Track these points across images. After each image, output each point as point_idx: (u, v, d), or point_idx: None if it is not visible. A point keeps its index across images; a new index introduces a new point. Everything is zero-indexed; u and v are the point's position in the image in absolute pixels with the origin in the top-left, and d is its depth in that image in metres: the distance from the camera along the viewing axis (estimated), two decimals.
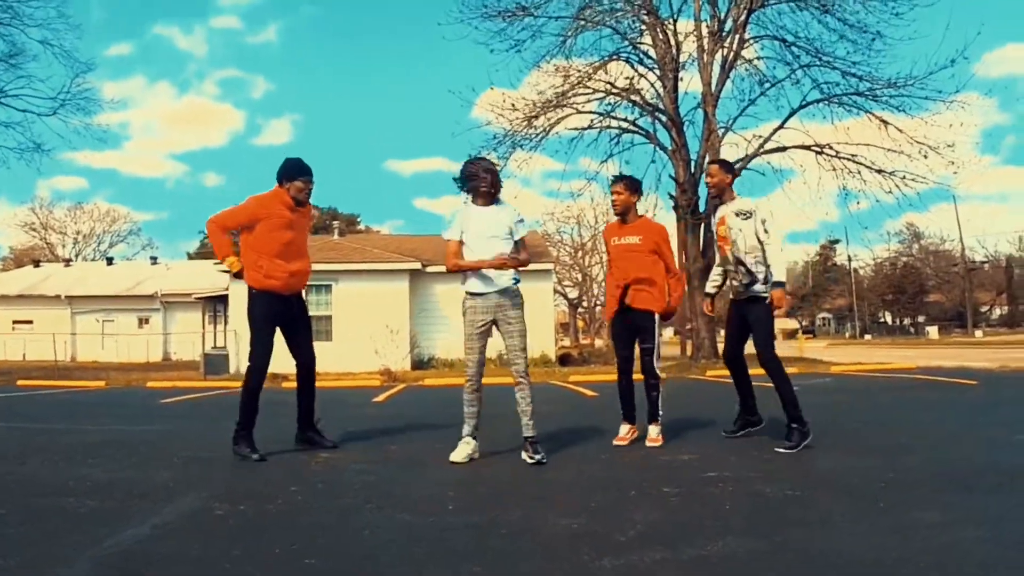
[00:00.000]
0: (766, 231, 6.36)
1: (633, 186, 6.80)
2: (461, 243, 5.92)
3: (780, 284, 6.37)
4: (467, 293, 5.94)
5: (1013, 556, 3.13)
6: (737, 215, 6.52)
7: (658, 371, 6.64)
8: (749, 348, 6.57)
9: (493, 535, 3.65)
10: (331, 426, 6.93)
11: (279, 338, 6.45)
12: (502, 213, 5.91)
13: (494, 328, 5.91)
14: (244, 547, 3.47)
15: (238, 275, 6.35)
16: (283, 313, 6.43)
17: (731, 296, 6.81)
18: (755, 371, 6.67)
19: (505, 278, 5.83)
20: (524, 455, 5.68)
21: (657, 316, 6.59)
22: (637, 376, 6.62)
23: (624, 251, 6.62)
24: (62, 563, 3.25)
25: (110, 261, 59.09)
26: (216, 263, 5.84)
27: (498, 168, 6.09)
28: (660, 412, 6.58)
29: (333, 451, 6.34)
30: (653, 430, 6.53)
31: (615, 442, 6.53)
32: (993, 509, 4.02)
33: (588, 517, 3.98)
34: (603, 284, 44.94)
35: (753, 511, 4.08)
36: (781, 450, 5.99)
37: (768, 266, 6.39)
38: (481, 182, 5.88)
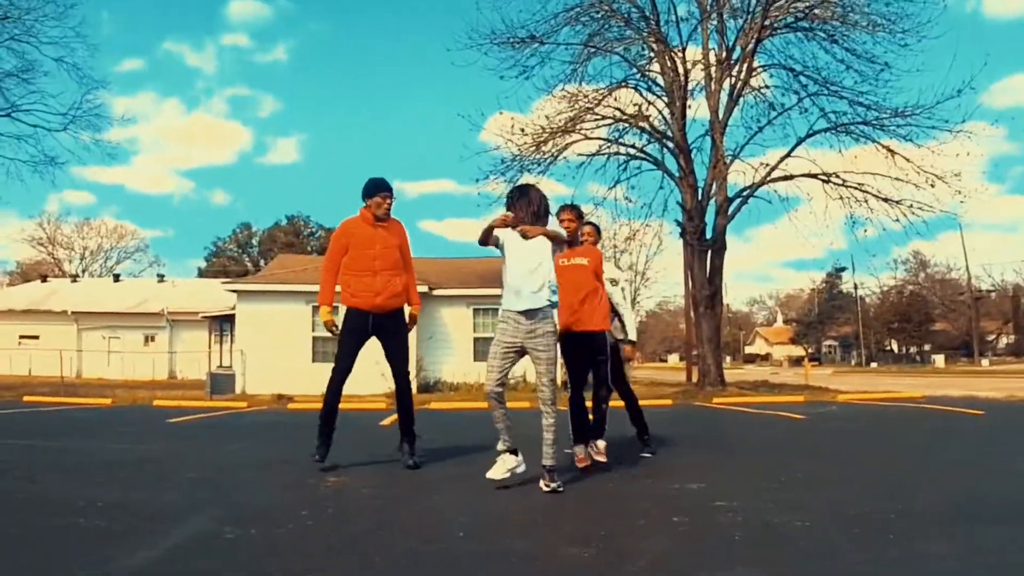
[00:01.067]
0: (624, 298, 7.35)
1: (581, 214, 7.10)
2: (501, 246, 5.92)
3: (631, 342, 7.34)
4: (504, 310, 5.90)
5: None
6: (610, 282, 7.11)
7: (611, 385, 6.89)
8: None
9: (502, 563, 3.65)
10: (337, 449, 6.93)
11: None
12: (540, 243, 5.90)
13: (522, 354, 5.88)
14: (254, 571, 3.48)
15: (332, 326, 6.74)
16: (366, 328, 6.70)
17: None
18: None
19: (541, 298, 5.75)
20: (541, 483, 5.62)
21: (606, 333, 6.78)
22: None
23: (574, 271, 6.65)
24: None
25: (117, 278, 59.09)
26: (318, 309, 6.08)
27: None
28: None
29: (346, 475, 6.32)
30: (601, 444, 6.66)
31: (578, 464, 6.46)
32: (1000, 541, 4.02)
33: (598, 546, 3.98)
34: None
35: (762, 541, 4.08)
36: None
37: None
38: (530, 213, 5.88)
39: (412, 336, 7.03)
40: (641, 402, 7.12)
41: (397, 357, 6.83)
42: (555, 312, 5.90)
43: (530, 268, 5.76)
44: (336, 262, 6.76)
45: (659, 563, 3.62)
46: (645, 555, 3.76)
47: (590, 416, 6.70)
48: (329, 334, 6.87)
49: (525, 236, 5.76)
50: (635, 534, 4.27)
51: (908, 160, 21.34)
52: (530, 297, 5.73)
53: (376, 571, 3.54)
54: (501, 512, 4.92)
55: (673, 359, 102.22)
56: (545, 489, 5.53)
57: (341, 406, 6.78)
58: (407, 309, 7.01)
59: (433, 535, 4.27)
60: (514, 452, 5.84)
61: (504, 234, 5.87)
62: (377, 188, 6.73)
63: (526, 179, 22.93)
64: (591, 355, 6.63)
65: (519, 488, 5.68)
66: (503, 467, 5.78)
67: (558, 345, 6.07)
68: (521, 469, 5.83)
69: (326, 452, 6.60)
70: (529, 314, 5.74)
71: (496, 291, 9.12)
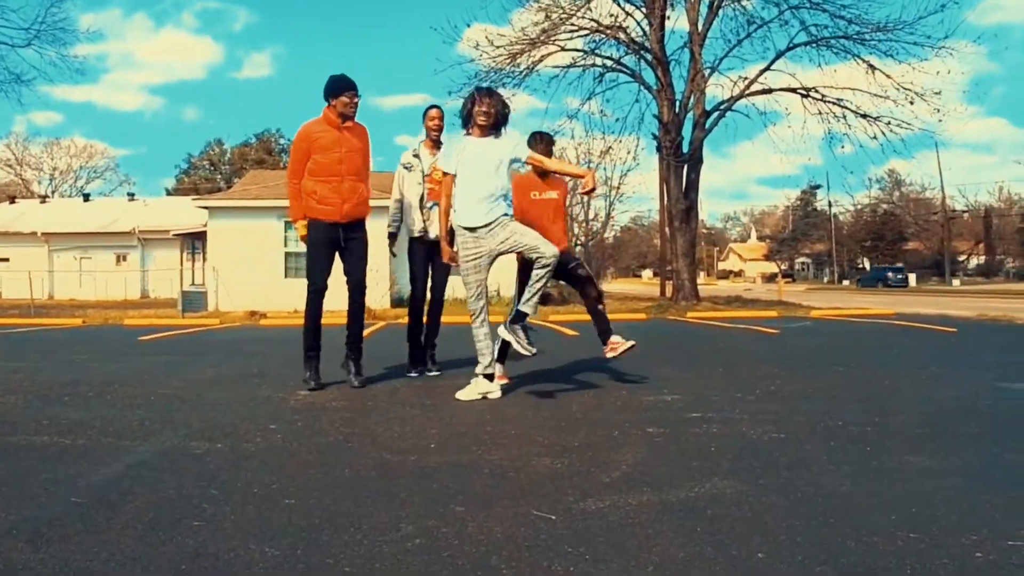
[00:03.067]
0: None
1: (552, 144, 6.91)
2: (454, 177, 5.83)
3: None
4: (459, 226, 5.85)
5: (997, 503, 3.10)
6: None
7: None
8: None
9: (475, 475, 3.59)
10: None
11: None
12: (500, 143, 5.79)
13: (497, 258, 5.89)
14: (222, 486, 3.40)
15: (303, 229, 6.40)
16: (337, 240, 6.40)
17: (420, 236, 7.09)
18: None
19: (498, 211, 5.74)
20: (514, 344, 5.72)
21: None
22: None
23: (543, 204, 6.71)
24: (35, 502, 3.17)
25: (87, 197, 58.29)
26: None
27: (504, 99, 6.00)
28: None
29: (318, 391, 6.24)
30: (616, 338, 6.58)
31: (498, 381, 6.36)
32: (977, 455, 4.01)
33: (572, 457, 3.93)
34: (583, 223, 44.95)
35: (738, 453, 4.04)
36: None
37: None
38: (479, 115, 5.77)
39: (385, 250, 6.87)
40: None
41: (357, 272, 6.53)
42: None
43: (491, 171, 5.75)
44: (300, 171, 6.38)
45: (634, 473, 3.57)
46: (620, 466, 3.71)
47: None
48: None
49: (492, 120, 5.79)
50: (610, 445, 4.22)
51: (888, 76, 21.26)
52: (488, 211, 5.73)
53: (345, 483, 3.47)
54: (474, 424, 4.86)
55: (647, 274, 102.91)
56: (524, 353, 5.66)
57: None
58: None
59: (404, 447, 4.20)
60: (490, 378, 5.85)
61: (459, 150, 5.84)
62: (344, 86, 6.32)
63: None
64: (563, 270, 6.55)
65: (490, 401, 5.65)
66: (475, 390, 5.81)
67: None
68: (495, 396, 5.82)
69: (318, 376, 6.44)
70: (489, 226, 5.74)
71: None
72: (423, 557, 2.53)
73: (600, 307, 6.61)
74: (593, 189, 5.83)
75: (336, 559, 2.51)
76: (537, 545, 2.64)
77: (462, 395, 5.78)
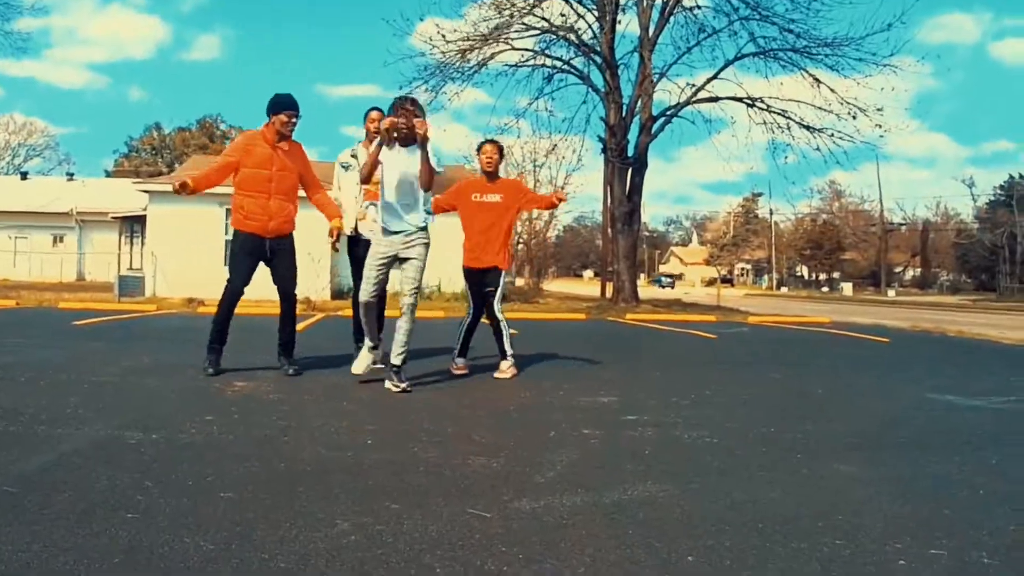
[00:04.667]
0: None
1: (502, 150, 7.34)
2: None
3: None
4: (382, 228, 6.10)
5: (922, 512, 3.21)
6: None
7: (498, 313, 7.05)
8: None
9: (411, 472, 3.61)
10: (249, 354, 6.82)
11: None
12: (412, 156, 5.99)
13: (395, 263, 6.14)
14: (156, 477, 3.38)
15: (184, 189, 6.25)
16: (263, 252, 6.58)
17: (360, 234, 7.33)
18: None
19: (417, 219, 6.03)
20: (388, 384, 5.91)
21: (503, 270, 7.07)
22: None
23: (485, 208, 7.03)
24: None
25: (24, 176, 56.92)
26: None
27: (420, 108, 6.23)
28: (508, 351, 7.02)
29: (254, 381, 6.21)
30: (504, 364, 6.98)
31: (453, 370, 6.97)
32: (905, 465, 4.13)
33: (507, 457, 3.98)
34: (527, 222, 45.00)
35: (673, 457, 4.12)
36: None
37: None
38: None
39: (326, 241, 6.92)
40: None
41: (286, 281, 6.76)
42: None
43: (409, 181, 5.96)
44: (224, 172, 6.52)
45: (569, 474, 3.62)
46: (555, 466, 3.76)
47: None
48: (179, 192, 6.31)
49: (411, 132, 5.78)
50: (545, 446, 4.27)
51: (833, 91, 21.59)
52: (408, 219, 6.01)
53: (282, 478, 3.47)
54: (410, 422, 4.87)
55: (588, 274, 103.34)
56: (394, 390, 5.78)
57: (254, 310, 6.70)
58: (329, 224, 6.89)
59: (341, 443, 4.21)
60: (375, 349, 6.31)
61: (383, 155, 5.97)
62: (283, 106, 6.47)
63: (449, 89, 22.65)
64: (488, 285, 6.98)
65: (428, 399, 5.69)
66: (363, 363, 6.24)
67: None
68: (378, 365, 6.30)
69: (218, 361, 6.53)
70: (407, 232, 6.02)
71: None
72: (358, 554, 2.55)
73: (497, 332, 7.03)
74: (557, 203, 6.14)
75: (271, 554, 2.52)
76: (471, 544, 2.67)
77: (354, 368, 6.26)
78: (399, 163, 5.93)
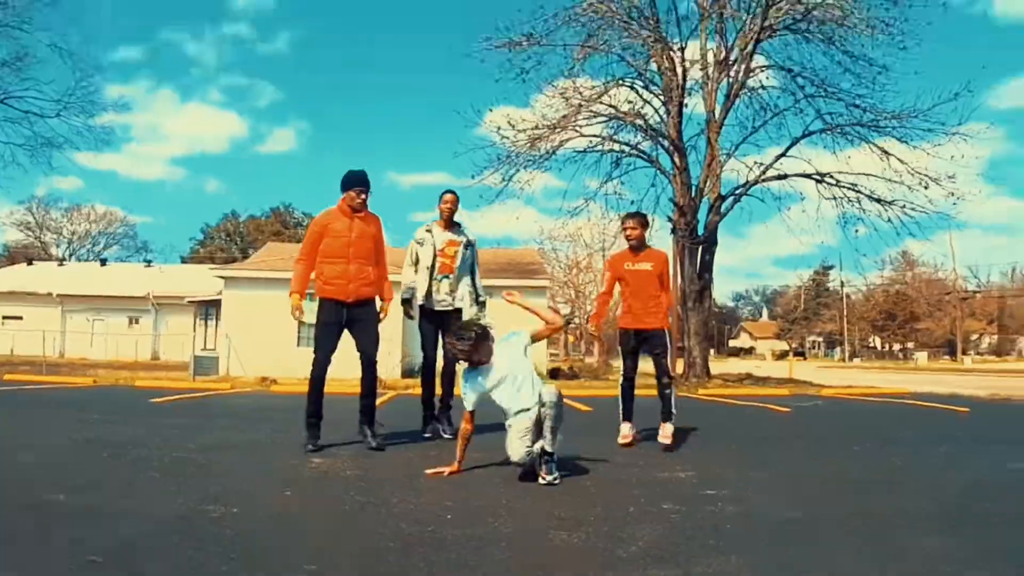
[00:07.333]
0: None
1: (644, 222, 7.80)
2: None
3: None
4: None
5: None
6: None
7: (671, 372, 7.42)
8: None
9: (494, 547, 3.59)
10: (324, 432, 6.86)
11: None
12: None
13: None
14: (241, 550, 3.41)
15: (298, 311, 6.73)
16: (343, 318, 6.79)
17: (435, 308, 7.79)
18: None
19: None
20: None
21: (667, 330, 7.45)
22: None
23: (636, 276, 7.50)
24: (56, 559, 3.18)
25: (103, 262, 58.80)
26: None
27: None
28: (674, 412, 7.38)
29: (331, 458, 6.25)
30: (668, 428, 7.24)
31: (620, 441, 7.23)
32: (993, 538, 4.00)
33: (588, 532, 3.93)
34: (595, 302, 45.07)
35: (755, 531, 4.04)
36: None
37: None
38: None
39: (399, 323, 7.06)
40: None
41: (368, 347, 6.88)
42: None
43: (516, 387, 5.69)
44: (311, 253, 6.83)
45: (652, 549, 3.57)
46: (637, 541, 3.71)
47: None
48: (302, 321, 6.85)
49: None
50: (626, 520, 4.22)
51: (902, 162, 21.28)
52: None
53: (367, 552, 3.47)
54: (489, 496, 4.86)
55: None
56: (541, 482, 5.32)
57: (328, 389, 6.77)
58: (379, 303, 7.10)
59: (421, 518, 4.20)
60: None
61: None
62: (354, 182, 6.82)
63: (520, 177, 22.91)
64: (650, 349, 7.48)
65: (506, 474, 5.64)
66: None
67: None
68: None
69: (318, 439, 6.63)
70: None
71: (488, 280, 9.16)
72: None
73: (666, 392, 7.41)
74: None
75: None
76: None
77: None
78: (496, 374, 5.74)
